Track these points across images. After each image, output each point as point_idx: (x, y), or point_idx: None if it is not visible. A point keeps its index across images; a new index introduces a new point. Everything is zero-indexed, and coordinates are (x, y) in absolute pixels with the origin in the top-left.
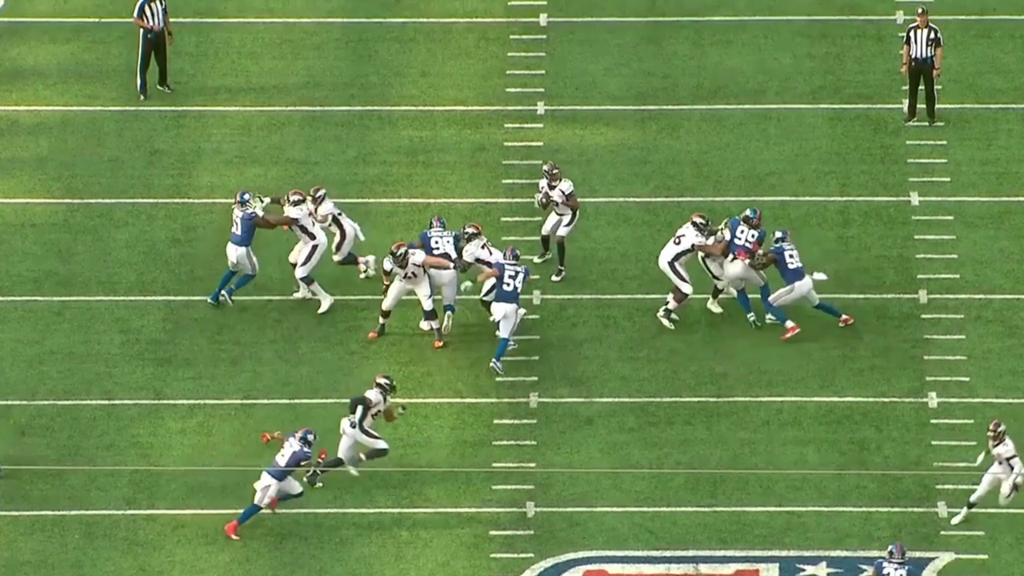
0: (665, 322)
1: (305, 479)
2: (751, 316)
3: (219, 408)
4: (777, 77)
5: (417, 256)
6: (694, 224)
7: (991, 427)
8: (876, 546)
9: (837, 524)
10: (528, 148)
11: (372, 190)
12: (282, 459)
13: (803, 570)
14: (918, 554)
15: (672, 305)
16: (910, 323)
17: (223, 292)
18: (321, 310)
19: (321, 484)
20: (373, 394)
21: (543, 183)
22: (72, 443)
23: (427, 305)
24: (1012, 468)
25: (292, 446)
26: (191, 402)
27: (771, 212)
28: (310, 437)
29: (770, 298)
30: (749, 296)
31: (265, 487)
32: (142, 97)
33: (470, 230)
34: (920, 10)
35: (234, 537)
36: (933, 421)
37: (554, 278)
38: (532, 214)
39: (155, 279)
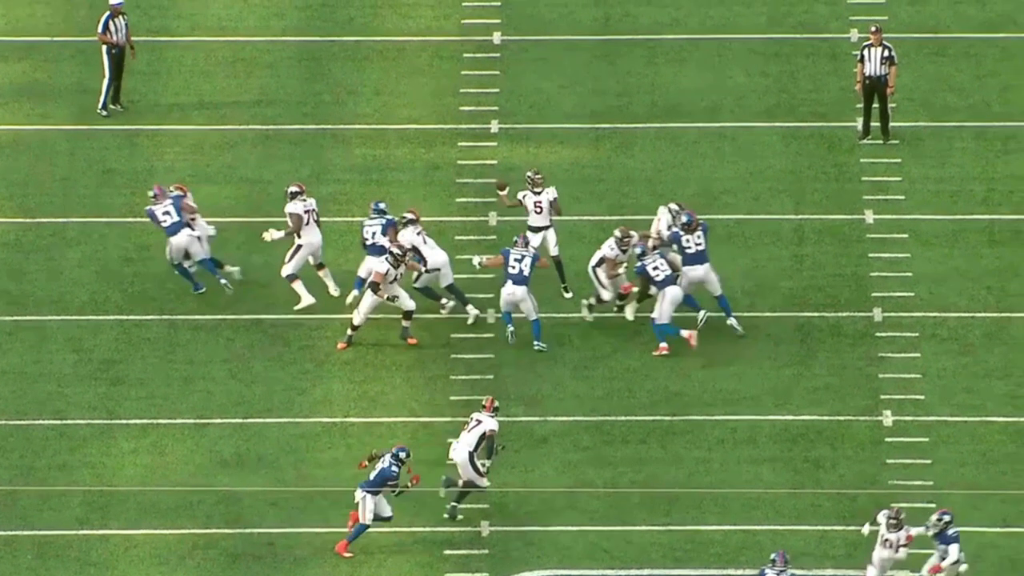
0: (585, 312)
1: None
2: (703, 313)
3: (172, 428)
4: (731, 95)
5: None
6: (615, 237)
7: (893, 513)
8: (831, 564)
9: (792, 543)
10: (482, 166)
11: (326, 208)
12: (372, 474)
13: None
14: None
15: (593, 301)
16: (865, 341)
17: (221, 282)
18: (298, 307)
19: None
20: (492, 422)
21: (524, 193)
22: (24, 463)
23: (410, 305)
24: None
25: (384, 462)
26: (144, 422)
27: (726, 230)
28: (402, 455)
29: (653, 316)
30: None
31: (361, 499)
32: (104, 113)
33: (408, 216)
34: (874, 28)
35: (346, 555)
36: (888, 439)
37: (567, 295)
38: (485, 232)
39: (108, 298)
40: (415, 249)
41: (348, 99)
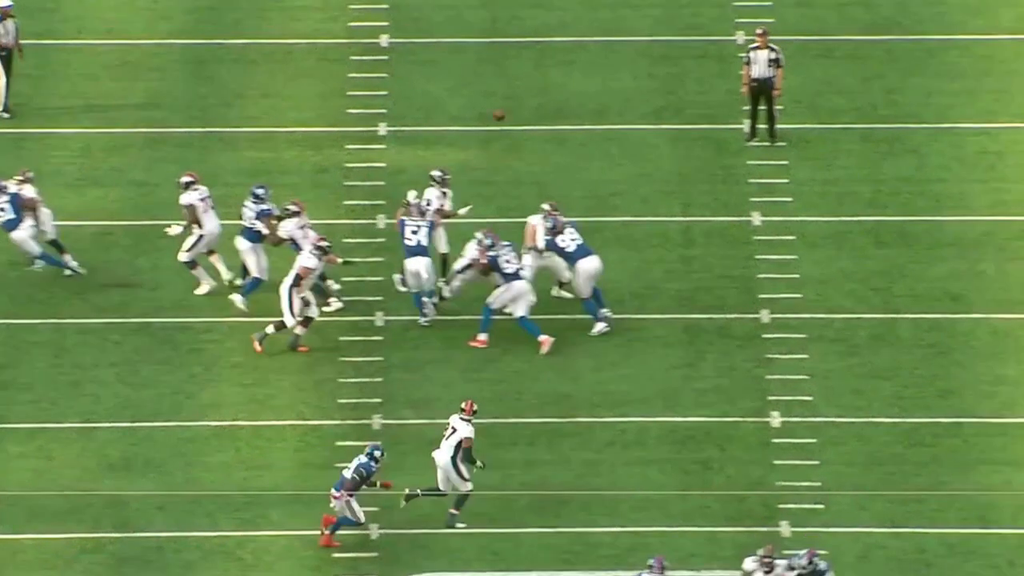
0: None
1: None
2: (605, 312)
3: (59, 432)
4: (619, 97)
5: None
6: (476, 240)
7: (765, 552)
8: (719, 565)
9: (681, 544)
10: (370, 169)
11: (215, 212)
12: (347, 472)
13: None
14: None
15: (444, 294)
16: (752, 343)
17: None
18: (198, 291)
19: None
20: (468, 429)
21: (431, 192)
22: None
23: (313, 312)
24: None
25: (358, 459)
26: (31, 426)
27: (614, 232)
28: (376, 453)
29: (489, 299)
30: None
31: (346, 503)
32: (7, 115)
33: (292, 207)
34: (760, 31)
35: (334, 544)
36: (775, 440)
37: (447, 293)
38: (374, 235)
39: None
40: (293, 241)
41: (236, 102)
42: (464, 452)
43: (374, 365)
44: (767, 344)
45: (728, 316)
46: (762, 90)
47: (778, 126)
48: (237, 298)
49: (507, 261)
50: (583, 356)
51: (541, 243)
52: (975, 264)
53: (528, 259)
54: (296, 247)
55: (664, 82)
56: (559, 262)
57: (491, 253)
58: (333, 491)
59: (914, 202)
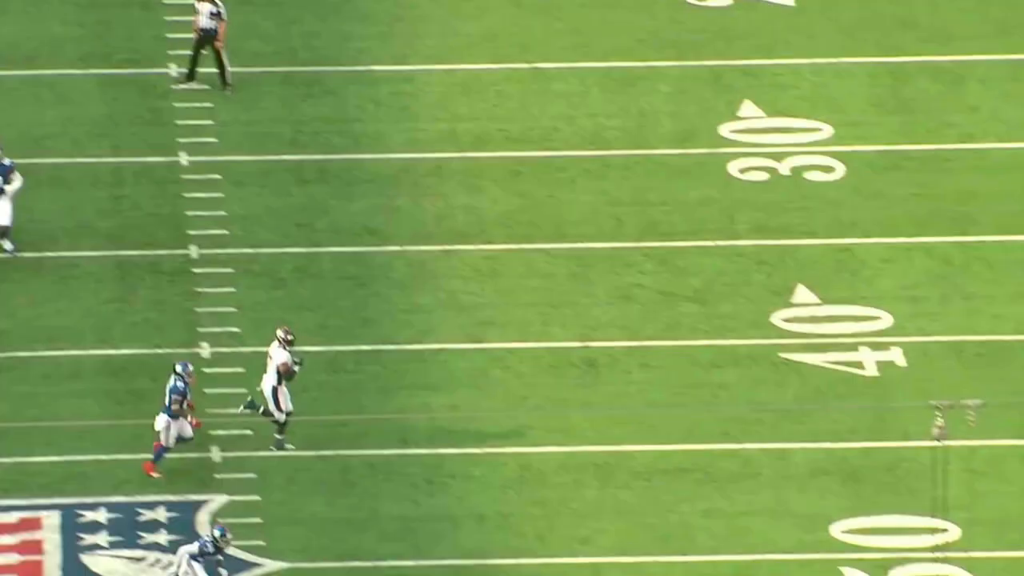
0: None
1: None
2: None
3: None
4: (48, 44)
5: None
6: None
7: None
8: (153, 491)
9: (115, 472)
10: None
11: None
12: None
13: (83, 516)
14: (193, 497)
15: None
16: (182, 278)
17: None
18: None
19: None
20: (283, 354)
21: None
22: None
23: None
24: None
25: (170, 381)
26: None
27: (47, 173)
28: (179, 368)
29: None
30: None
31: (165, 427)
32: None
33: None
34: None
35: (154, 475)
36: (205, 370)
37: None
38: None
39: None
40: None
41: None
42: (283, 374)
43: None
44: (196, 278)
45: (158, 252)
46: (207, 39)
47: (200, 69)
48: None
49: None
50: (18, 293)
51: None
52: (392, 200)
53: None
54: None
55: (92, 29)
56: None
57: None
58: (162, 419)
59: (333, 141)
